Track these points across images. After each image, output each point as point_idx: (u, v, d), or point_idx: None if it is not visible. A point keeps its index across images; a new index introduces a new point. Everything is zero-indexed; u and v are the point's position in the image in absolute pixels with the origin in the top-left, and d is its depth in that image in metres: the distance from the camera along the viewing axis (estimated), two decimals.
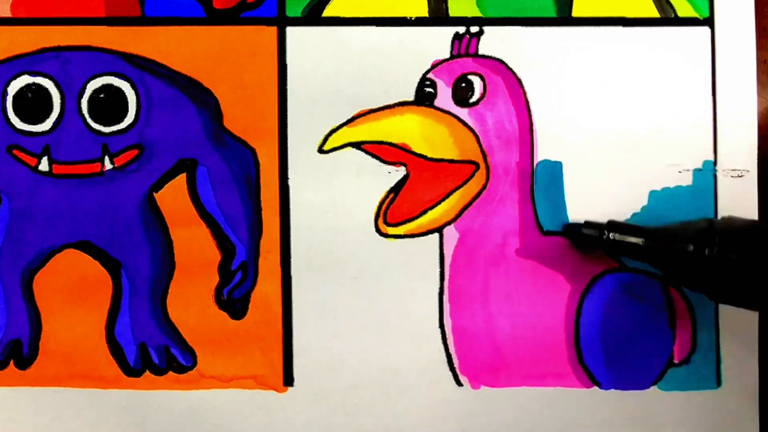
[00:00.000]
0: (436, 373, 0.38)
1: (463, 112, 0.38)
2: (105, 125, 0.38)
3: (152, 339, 0.38)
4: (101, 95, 0.38)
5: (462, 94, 0.38)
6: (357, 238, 0.38)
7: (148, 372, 0.38)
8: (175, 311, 0.38)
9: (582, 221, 0.38)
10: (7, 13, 0.38)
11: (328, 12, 0.38)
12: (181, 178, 0.38)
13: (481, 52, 0.38)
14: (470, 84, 0.38)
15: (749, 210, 0.38)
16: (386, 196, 0.38)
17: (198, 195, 0.38)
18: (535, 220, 0.38)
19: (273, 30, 0.38)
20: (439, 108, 0.38)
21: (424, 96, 0.38)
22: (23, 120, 0.38)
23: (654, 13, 0.39)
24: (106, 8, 0.38)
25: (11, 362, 0.38)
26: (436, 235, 0.38)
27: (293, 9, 0.38)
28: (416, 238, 0.38)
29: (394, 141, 0.38)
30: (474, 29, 0.38)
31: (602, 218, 0.38)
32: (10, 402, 0.38)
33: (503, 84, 0.38)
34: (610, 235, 0.36)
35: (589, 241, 0.37)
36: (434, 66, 0.38)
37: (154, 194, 0.38)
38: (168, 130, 0.38)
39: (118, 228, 0.38)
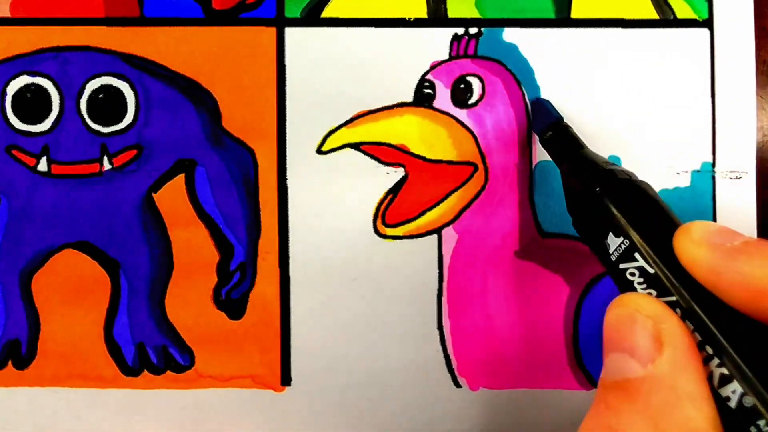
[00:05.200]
0: (435, 374, 0.38)
1: (461, 114, 0.38)
2: (104, 125, 0.38)
3: (150, 339, 0.38)
4: (100, 95, 0.38)
5: (461, 95, 0.38)
6: (355, 239, 0.38)
7: (146, 371, 0.38)
8: (174, 311, 0.38)
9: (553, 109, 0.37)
10: (6, 14, 0.38)
11: (326, 13, 0.38)
12: (180, 179, 0.38)
13: (479, 53, 0.38)
14: (469, 85, 0.38)
15: (748, 211, 0.38)
16: (385, 197, 0.38)
17: (197, 195, 0.38)
18: (534, 221, 0.38)
19: (272, 31, 0.38)
20: (438, 109, 0.38)
21: (422, 97, 0.38)
22: (22, 120, 0.38)
23: (653, 14, 0.39)
24: (105, 9, 0.38)
25: (9, 362, 0.38)
26: (435, 236, 0.38)
27: (292, 10, 0.38)
28: (415, 239, 0.38)
29: (393, 142, 0.38)
30: (473, 30, 0.38)
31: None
32: (8, 402, 0.38)
33: (502, 85, 0.38)
34: (549, 133, 0.36)
35: (536, 120, 0.37)
36: (433, 67, 0.38)
37: (153, 194, 0.38)
38: (167, 131, 0.38)
39: (117, 228, 0.38)
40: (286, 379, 0.38)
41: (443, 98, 0.38)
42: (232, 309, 0.38)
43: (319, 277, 0.38)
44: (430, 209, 0.38)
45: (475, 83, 0.38)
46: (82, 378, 0.38)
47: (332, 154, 0.38)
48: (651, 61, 0.38)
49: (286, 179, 0.38)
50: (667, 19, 0.39)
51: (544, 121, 0.36)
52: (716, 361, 0.25)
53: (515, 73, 0.38)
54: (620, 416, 0.25)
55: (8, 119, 0.38)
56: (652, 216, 0.29)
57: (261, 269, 0.38)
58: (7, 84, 0.38)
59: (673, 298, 0.27)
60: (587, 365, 0.38)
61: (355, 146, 0.38)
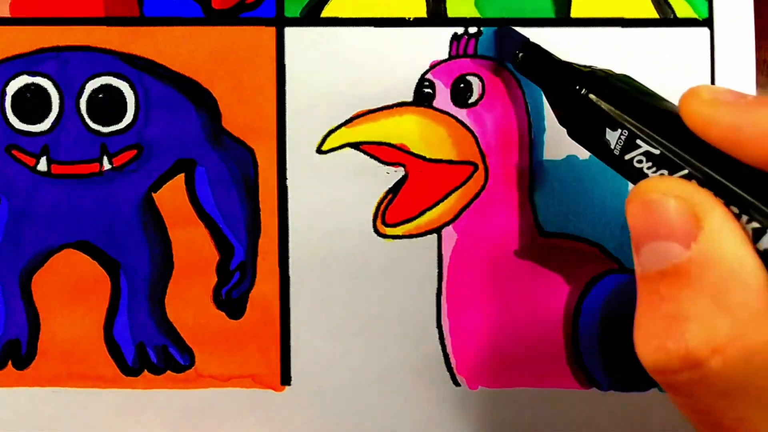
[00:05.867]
0: (434, 373, 0.38)
1: (461, 113, 0.38)
2: (104, 125, 0.38)
3: (150, 339, 0.38)
4: (100, 95, 0.38)
5: (461, 94, 0.38)
6: (355, 238, 0.38)
7: (146, 371, 0.38)
8: (174, 311, 0.38)
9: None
10: (6, 14, 0.38)
11: (326, 12, 0.38)
12: (180, 179, 0.38)
13: (479, 52, 0.38)
14: (469, 85, 0.38)
15: None
16: (385, 197, 0.38)
17: (197, 195, 0.38)
18: (534, 221, 0.38)
19: (271, 30, 0.38)
20: (438, 109, 0.38)
21: (422, 97, 0.38)
22: (22, 120, 0.38)
23: (653, 13, 0.39)
24: (105, 8, 0.38)
25: (9, 362, 0.38)
26: (435, 236, 0.38)
27: (292, 9, 0.38)
28: (414, 239, 0.38)
29: (393, 142, 0.38)
30: (472, 30, 0.38)
31: (602, 220, 0.38)
32: (8, 402, 0.38)
33: (502, 85, 0.38)
34: (520, 55, 0.36)
35: (503, 49, 0.37)
36: (433, 67, 0.38)
37: (153, 194, 0.38)
38: (167, 131, 0.38)
39: (117, 228, 0.38)
40: (286, 379, 0.38)
41: (443, 98, 0.38)
42: (232, 309, 0.38)
43: (319, 276, 0.38)
44: (430, 209, 0.38)
45: (475, 83, 0.38)
46: (82, 378, 0.38)
47: (332, 153, 0.38)
48: (651, 61, 0.38)
49: (286, 179, 0.38)
50: (667, 19, 0.39)
51: (512, 46, 0.36)
52: (745, 218, 0.25)
53: (515, 72, 0.38)
54: (680, 302, 0.25)
55: (8, 119, 0.38)
56: (641, 100, 0.30)
57: (261, 269, 0.38)
58: (6, 84, 0.38)
59: (686, 172, 0.27)
60: (587, 364, 0.38)
61: (355, 146, 0.38)
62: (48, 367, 0.38)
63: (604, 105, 0.30)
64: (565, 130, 0.38)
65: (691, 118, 0.27)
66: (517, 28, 0.38)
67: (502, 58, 0.38)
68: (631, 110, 0.29)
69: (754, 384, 0.24)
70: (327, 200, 0.38)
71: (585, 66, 0.33)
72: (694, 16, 0.39)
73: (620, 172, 0.30)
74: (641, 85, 0.31)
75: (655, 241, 0.26)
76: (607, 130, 0.30)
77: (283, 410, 0.38)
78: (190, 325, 0.38)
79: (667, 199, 0.26)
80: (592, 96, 0.31)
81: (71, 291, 0.38)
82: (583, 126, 0.31)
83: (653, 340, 0.25)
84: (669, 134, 0.28)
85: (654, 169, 0.28)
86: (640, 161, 0.29)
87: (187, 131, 0.38)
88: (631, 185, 0.29)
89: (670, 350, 0.25)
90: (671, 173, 0.27)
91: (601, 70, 0.32)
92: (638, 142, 0.29)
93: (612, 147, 0.30)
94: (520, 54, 0.36)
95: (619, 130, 0.29)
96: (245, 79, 0.38)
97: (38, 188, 0.38)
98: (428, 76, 0.38)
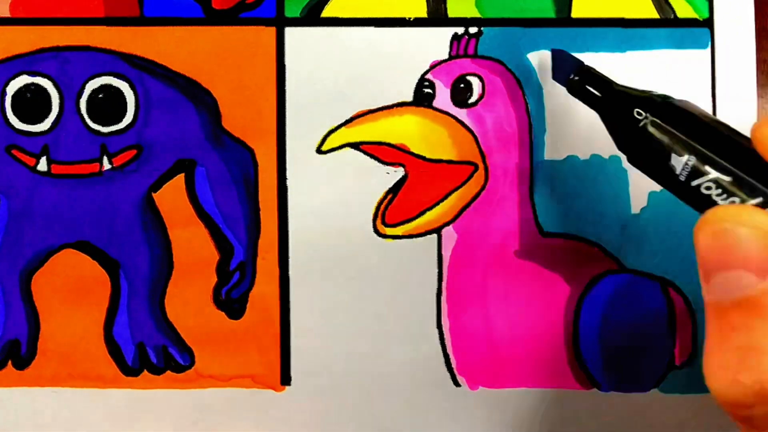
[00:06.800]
0: (434, 373, 0.38)
1: (461, 113, 0.38)
2: (104, 125, 0.38)
3: (150, 339, 0.38)
4: (100, 95, 0.38)
5: (461, 94, 0.38)
6: (355, 238, 0.38)
7: (146, 371, 0.38)
8: (174, 311, 0.38)
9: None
10: (6, 13, 0.38)
11: (326, 12, 0.38)
12: (180, 179, 0.38)
13: (479, 52, 0.38)
14: (469, 85, 0.38)
15: None
16: (385, 197, 0.38)
17: (196, 195, 0.38)
18: (534, 221, 0.38)
19: (272, 30, 0.38)
20: (438, 109, 0.38)
21: (422, 97, 0.38)
22: (22, 120, 0.38)
23: (653, 14, 0.39)
24: (105, 8, 0.38)
25: (9, 362, 0.38)
26: (435, 236, 0.38)
27: (292, 9, 0.38)
28: (414, 239, 0.38)
29: (393, 142, 0.38)
30: (473, 30, 0.38)
31: (602, 220, 0.38)
32: (8, 402, 0.38)
33: (502, 85, 0.38)
34: (575, 78, 0.34)
35: (556, 72, 0.36)
36: (433, 67, 0.38)
37: (153, 194, 0.38)
38: (167, 131, 0.38)
39: (117, 228, 0.38)
40: (286, 379, 0.38)
41: (443, 98, 0.38)
42: (232, 309, 0.38)
43: (319, 277, 0.38)
44: (429, 209, 0.38)
45: (475, 83, 0.38)
46: (82, 378, 0.38)
47: (332, 153, 0.38)
48: (651, 61, 0.38)
49: (286, 179, 0.38)
50: (668, 19, 0.39)
51: (567, 69, 0.35)
52: None
53: (515, 72, 0.38)
54: (754, 334, 0.24)
55: (8, 119, 0.38)
56: (709, 126, 0.29)
57: (261, 269, 0.38)
58: (6, 84, 0.38)
59: (759, 200, 0.26)
60: (587, 364, 0.38)
61: (355, 146, 0.38)
62: (48, 367, 0.38)
63: (669, 131, 0.29)
64: (563, 130, 0.38)
65: (765, 145, 0.27)
66: (517, 28, 0.38)
67: (556, 80, 0.36)
68: (700, 136, 0.28)
69: None
70: (327, 200, 0.38)
71: (642, 91, 0.32)
72: (695, 16, 0.39)
73: (684, 199, 0.29)
74: (701, 110, 0.30)
75: (728, 270, 0.25)
76: (673, 155, 0.29)
77: (283, 410, 0.38)
78: (190, 325, 0.38)
79: (740, 228, 0.25)
80: (656, 121, 0.30)
81: (71, 291, 0.38)
82: (645, 152, 0.30)
83: (726, 372, 0.25)
84: (740, 161, 0.27)
85: (724, 196, 0.27)
86: (708, 188, 0.28)
87: (187, 131, 0.38)
88: (696, 209, 0.28)
89: (744, 384, 0.24)
90: (742, 201, 0.27)
91: (659, 95, 0.31)
92: (707, 168, 0.28)
93: (677, 173, 0.29)
94: (575, 77, 0.34)
95: (686, 157, 0.28)
96: (245, 79, 0.38)
97: (38, 188, 0.38)
98: (428, 76, 0.38)
